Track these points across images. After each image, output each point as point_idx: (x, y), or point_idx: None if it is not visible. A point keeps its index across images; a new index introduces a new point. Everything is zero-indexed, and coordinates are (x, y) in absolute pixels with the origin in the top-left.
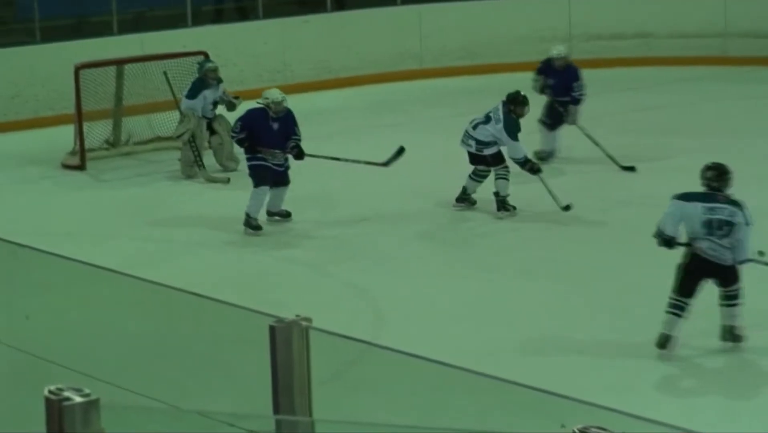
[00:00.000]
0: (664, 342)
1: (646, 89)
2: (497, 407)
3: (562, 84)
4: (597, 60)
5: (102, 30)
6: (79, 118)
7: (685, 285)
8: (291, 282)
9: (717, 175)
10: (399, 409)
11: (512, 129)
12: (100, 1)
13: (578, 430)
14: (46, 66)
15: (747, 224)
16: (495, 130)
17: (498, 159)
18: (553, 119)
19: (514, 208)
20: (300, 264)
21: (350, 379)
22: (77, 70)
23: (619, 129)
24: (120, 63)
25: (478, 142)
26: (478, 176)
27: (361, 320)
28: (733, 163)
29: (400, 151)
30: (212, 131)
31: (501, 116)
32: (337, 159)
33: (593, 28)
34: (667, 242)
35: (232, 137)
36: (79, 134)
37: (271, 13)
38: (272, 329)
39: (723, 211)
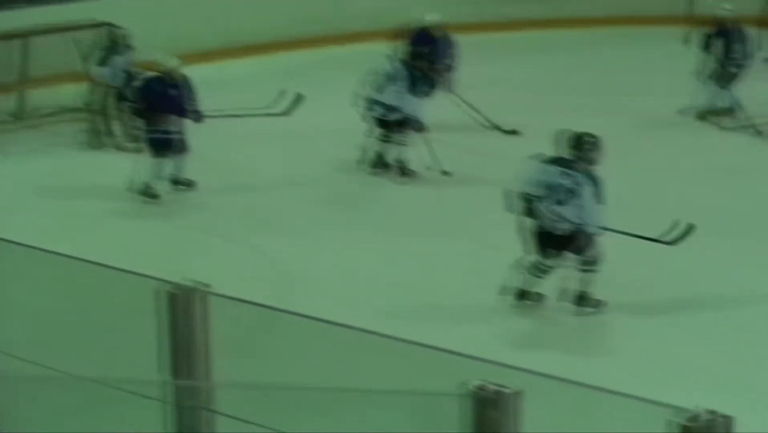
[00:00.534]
0: (520, 296)
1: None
2: (400, 367)
3: (437, 51)
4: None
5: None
6: None
7: (539, 248)
8: (196, 250)
9: (586, 140)
10: (302, 372)
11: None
12: None
13: (475, 386)
14: None
15: (592, 196)
16: (399, 88)
17: (404, 124)
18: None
19: (414, 172)
20: (205, 232)
21: (252, 344)
22: None
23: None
24: (24, 36)
25: (385, 106)
26: (387, 139)
27: (267, 286)
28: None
29: (298, 98)
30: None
31: (403, 74)
32: (237, 115)
33: None
34: (521, 199)
35: (130, 107)
36: None
37: None
38: (171, 296)
39: (565, 179)
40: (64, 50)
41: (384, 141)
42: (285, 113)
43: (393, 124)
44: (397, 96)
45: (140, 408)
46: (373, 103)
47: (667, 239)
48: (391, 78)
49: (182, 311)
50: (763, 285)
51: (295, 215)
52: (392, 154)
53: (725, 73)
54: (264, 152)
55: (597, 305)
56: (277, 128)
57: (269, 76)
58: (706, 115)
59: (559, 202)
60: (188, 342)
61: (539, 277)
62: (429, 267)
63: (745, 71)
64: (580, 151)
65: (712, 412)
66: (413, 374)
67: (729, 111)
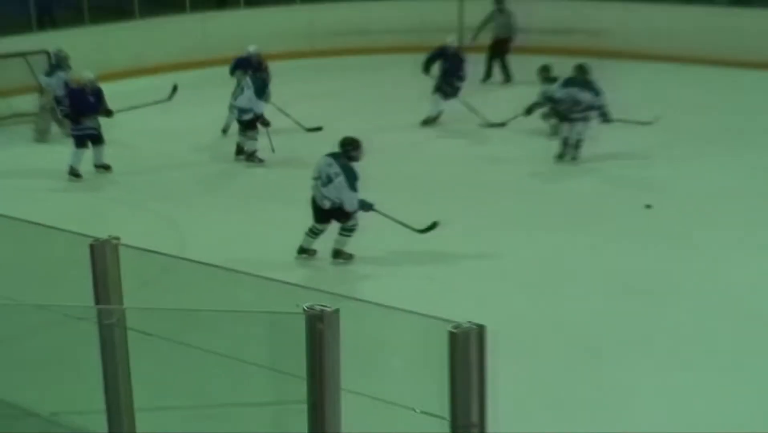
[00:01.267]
0: (301, 251)
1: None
2: (259, 296)
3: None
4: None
5: None
6: None
7: (315, 216)
8: (111, 215)
9: (350, 143)
10: (189, 300)
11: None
12: None
13: (306, 307)
14: None
15: (349, 185)
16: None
17: (252, 124)
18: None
19: (261, 160)
20: (118, 202)
21: (157, 285)
22: None
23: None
24: None
25: (240, 109)
26: (243, 134)
27: (170, 243)
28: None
29: (174, 89)
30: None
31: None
32: (136, 107)
33: None
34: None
35: (61, 111)
36: None
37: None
38: (91, 247)
39: (329, 168)
40: (18, 70)
41: (242, 135)
42: (168, 99)
43: (246, 122)
44: (248, 101)
45: (73, 328)
46: (233, 107)
47: (418, 228)
48: (244, 89)
49: (100, 259)
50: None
51: (185, 189)
52: (248, 145)
53: (448, 88)
54: (163, 143)
55: (348, 258)
56: (173, 126)
57: (163, 89)
58: (430, 121)
59: (324, 185)
60: (105, 281)
61: (313, 238)
62: (265, 227)
63: (463, 87)
64: (344, 149)
65: (471, 323)
66: (269, 300)
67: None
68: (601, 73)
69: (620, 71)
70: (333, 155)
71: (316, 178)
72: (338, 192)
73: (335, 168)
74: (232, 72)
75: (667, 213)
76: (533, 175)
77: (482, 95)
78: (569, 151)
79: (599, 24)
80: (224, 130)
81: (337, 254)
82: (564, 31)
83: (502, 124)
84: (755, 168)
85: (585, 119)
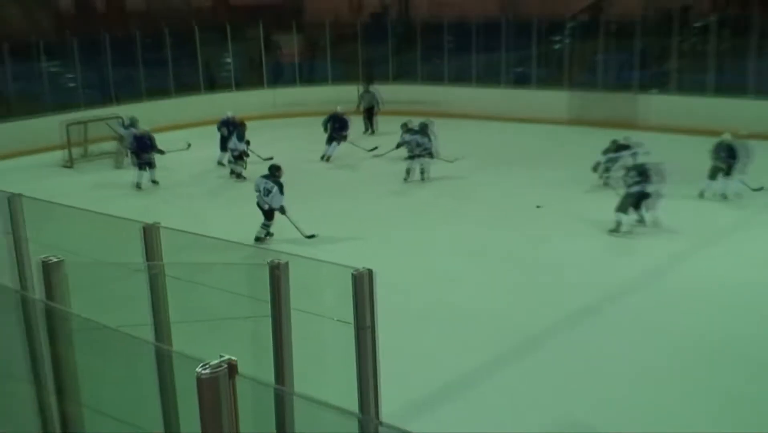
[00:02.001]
0: (257, 239)
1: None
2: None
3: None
4: None
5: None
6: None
7: (263, 215)
8: (160, 210)
9: (275, 169)
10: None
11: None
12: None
13: (269, 261)
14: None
15: (279, 192)
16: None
17: (240, 157)
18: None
19: (244, 178)
20: (164, 203)
21: (187, 251)
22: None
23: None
24: (84, 122)
25: (233, 150)
26: (236, 164)
27: (194, 226)
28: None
29: (188, 144)
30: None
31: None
32: (171, 151)
33: None
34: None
35: (131, 150)
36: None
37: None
38: (143, 228)
39: (267, 184)
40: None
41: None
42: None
43: (236, 156)
44: (236, 145)
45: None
46: (229, 149)
47: (307, 233)
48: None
49: (149, 236)
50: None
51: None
52: (237, 169)
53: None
54: (189, 169)
55: (267, 234)
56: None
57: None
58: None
59: (265, 195)
60: (151, 249)
61: (265, 228)
62: (244, 221)
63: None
64: (272, 172)
65: (364, 268)
66: (248, 259)
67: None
68: (439, 127)
69: (450, 126)
70: (266, 176)
71: (258, 192)
72: (271, 199)
73: (270, 184)
74: (219, 128)
75: (480, 208)
76: (391, 192)
77: (364, 140)
78: (414, 174)
79: (437, 97)
80: (220, 163)
81: (259, 239)
82: (417, 102)
83: (375, 148)
84: (535, 178)
85: (422, 156)
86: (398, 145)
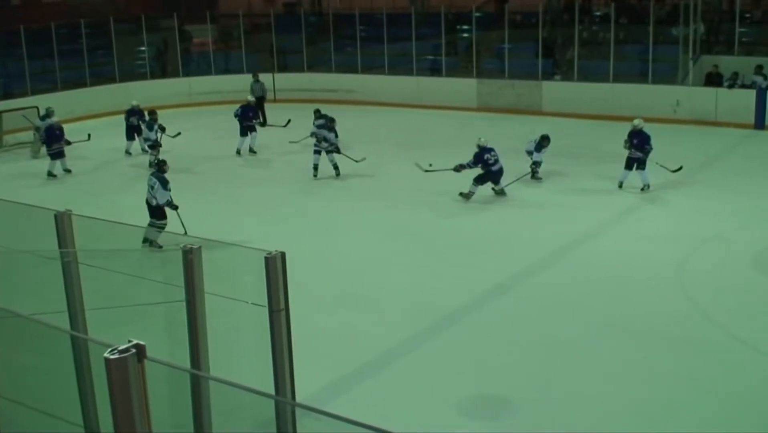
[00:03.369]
0: (145, 240)
1: None
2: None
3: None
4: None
5: None
6: None
7: (149, 213)
8: (74, 200)
9: (159, 163)
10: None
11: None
12: None
13: (182, 245)
14: None
15: (162, 187)
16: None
17: (153, 147)
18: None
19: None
20: (79, 192)
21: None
22: None
23: None
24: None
25: (147, 139)
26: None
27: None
28: None
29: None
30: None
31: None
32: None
33: None
34: None
35: (43, 140)
36: None
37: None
38: (55, 216)
39: (151, 180)
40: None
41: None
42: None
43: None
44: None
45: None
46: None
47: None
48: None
49: (60, 223)
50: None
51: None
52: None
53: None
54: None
55: (159, 247)
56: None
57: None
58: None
59: (151, 190)
60: (63, 237)
61: (158, 229)
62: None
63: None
64: (157, 167)
65: (277, 251)
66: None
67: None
68: (348, 115)
69: (363, 113)
70: (152, 173)
71: (149, 186)
72: (156, 194)
73: (153, 180)
74: (127, 118)
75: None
76: (301, 180)
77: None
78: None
79: (351, 86)
80: (127, 152)
81: (149, 241)
82: (331, 90)
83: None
84: (444, 162)
85: (330, 152)
86: (312, 134)
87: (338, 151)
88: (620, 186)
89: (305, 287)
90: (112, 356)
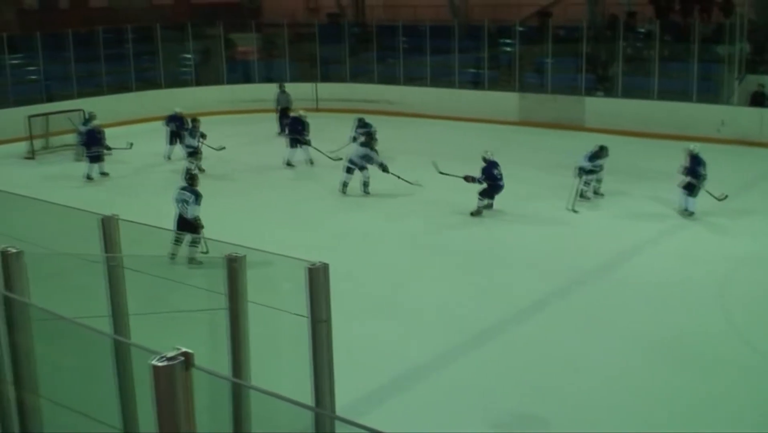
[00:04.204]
0: (171, 255)
1: None
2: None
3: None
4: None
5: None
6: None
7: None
8: (117, 202)
9: (190, 177)
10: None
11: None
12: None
13: (227, 254)
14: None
15: (195, 202)
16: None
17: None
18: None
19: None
20: (122, 195)
21: (142, 243)
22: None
23: None
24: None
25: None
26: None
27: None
28: None
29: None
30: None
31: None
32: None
33: None
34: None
35: (83, 142)
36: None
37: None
38: (101, 220)
39: (184, 195)
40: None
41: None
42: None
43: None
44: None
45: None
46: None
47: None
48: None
49: (107, 226)
50: None
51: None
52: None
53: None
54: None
55: (199, 263)
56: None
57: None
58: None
59: (183, 205)
60: (110, 241)
61: (177, 242)
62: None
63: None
64: (188, 181)
65: (320, 262)
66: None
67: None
68: (388, 126)
69: (404, 124)
70: (184, 186)
71: (177, 203)
72: (188, 209)
73: (186, 194)
74: (167, 123)
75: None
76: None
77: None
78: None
79: (392, 97)
80: (168, 157)
81: (192, 260)
82: (372, 101)
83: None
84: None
85: (364, 168)
86: (354, 139)
87: (386, 170)
88: (685, 212)
89: (339, 297)
90: (159, 364)
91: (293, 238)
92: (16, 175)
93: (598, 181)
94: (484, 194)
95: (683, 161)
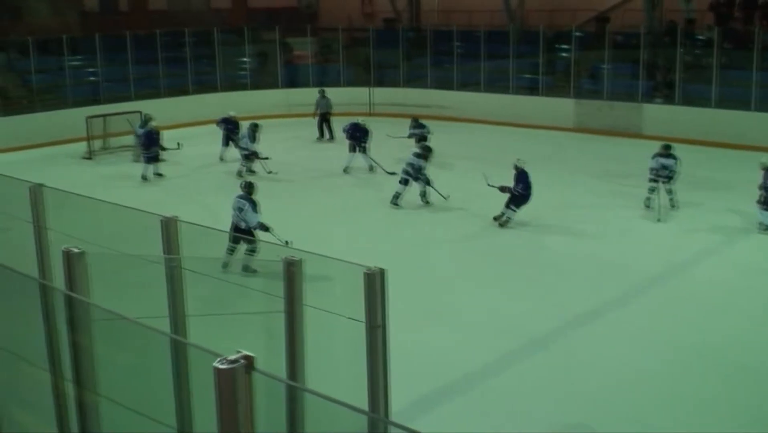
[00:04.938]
0: (224, 264)
1: None
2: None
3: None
4: None
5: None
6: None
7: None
8: (169, 202)
9: (246, 185)
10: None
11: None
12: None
13: (283, 257)
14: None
15: (252, 210)
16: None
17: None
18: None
19: (253, 172)
20: (171, 194)
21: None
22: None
23: None
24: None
25: (243, 148)
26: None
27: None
28: None
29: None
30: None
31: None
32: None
33: None
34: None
35: (142, 144)
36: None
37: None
38: (162, 222)
39: (239, 202)
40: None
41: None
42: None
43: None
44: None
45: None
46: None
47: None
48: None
49: (167, 227)
50: None
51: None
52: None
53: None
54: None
55: (254, 271)
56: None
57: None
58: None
59: (238, 213)
60: (168, 241)
61: (230, 251)
62: None
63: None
64: (246, 189)
65: (377, 267)
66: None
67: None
68: (442, 131)
69: (457, 129)
70: (241, 195)
71: (233, 210)
72: (245, 216)
73: (242, 202)
74: (218, 124)
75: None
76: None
77: (324, 147)
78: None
79: (446, 102)
80: (222, 158)
81: (247, 268)
82: (426, 106)
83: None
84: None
85: (418, 179)
86: (409, 136)
87: (428, 183)
88: (760, 226)
89: (392, 303)
90: (221, 366)
91: (348, 243)
92: (74, 175)
93: (670, 192)
94: (517, 204)
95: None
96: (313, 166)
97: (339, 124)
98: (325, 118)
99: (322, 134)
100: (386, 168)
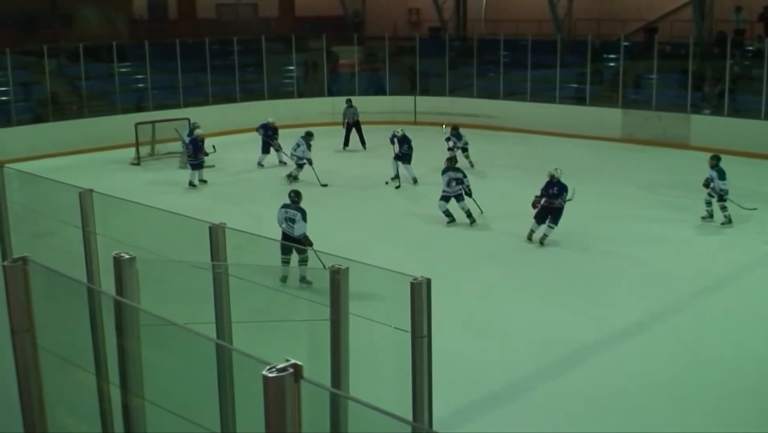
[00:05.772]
0: (283, 278)
1: None
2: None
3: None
4: None
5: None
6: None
7: (282, 248)
8: (215, 208)
9: (295, 195)
10: (264, 261)
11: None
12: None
13: (329, 265)
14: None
15: (303, 219)
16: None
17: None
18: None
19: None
20: (217, 201)
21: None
22: (135, 125)
23: None
24: (153, 122)
25: (299, 157)
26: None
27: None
28: None
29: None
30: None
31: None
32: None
33: None
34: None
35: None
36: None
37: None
38: (209, 229)
39: (288, 213)
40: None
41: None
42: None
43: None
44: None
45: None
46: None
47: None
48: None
49: (214, 235)
50: None
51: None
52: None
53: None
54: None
55: (309, 282)
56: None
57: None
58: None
59: (289, 224)
60: (216, 248)
61: (285, 263)
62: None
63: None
64: (294, 199)
65: (422, 277)
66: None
67: None
68: (487, 140)
69: (503, 139)
70: (288, 204)
71: (281, 224)
72: (296, 227)
73: (291, 212)
74: (258, 129)
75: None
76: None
77: (357, 156)
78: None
79: (492, 111)
80: (260, 164)
81: (303, 279)
82: (472, 115)
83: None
84: (580, 191)
85: (460, 195)
86: (447, 139)
87: (469, 194)
88: None
89: (435, 313)
90: (270, 375)
91: (391, 253)
92: (123, 181)
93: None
94: (555, 221)
95: None
96: (359, 174)
97: (384, 133)
98: (353, 128)
99: (347, 143)
100: (321, 180)
